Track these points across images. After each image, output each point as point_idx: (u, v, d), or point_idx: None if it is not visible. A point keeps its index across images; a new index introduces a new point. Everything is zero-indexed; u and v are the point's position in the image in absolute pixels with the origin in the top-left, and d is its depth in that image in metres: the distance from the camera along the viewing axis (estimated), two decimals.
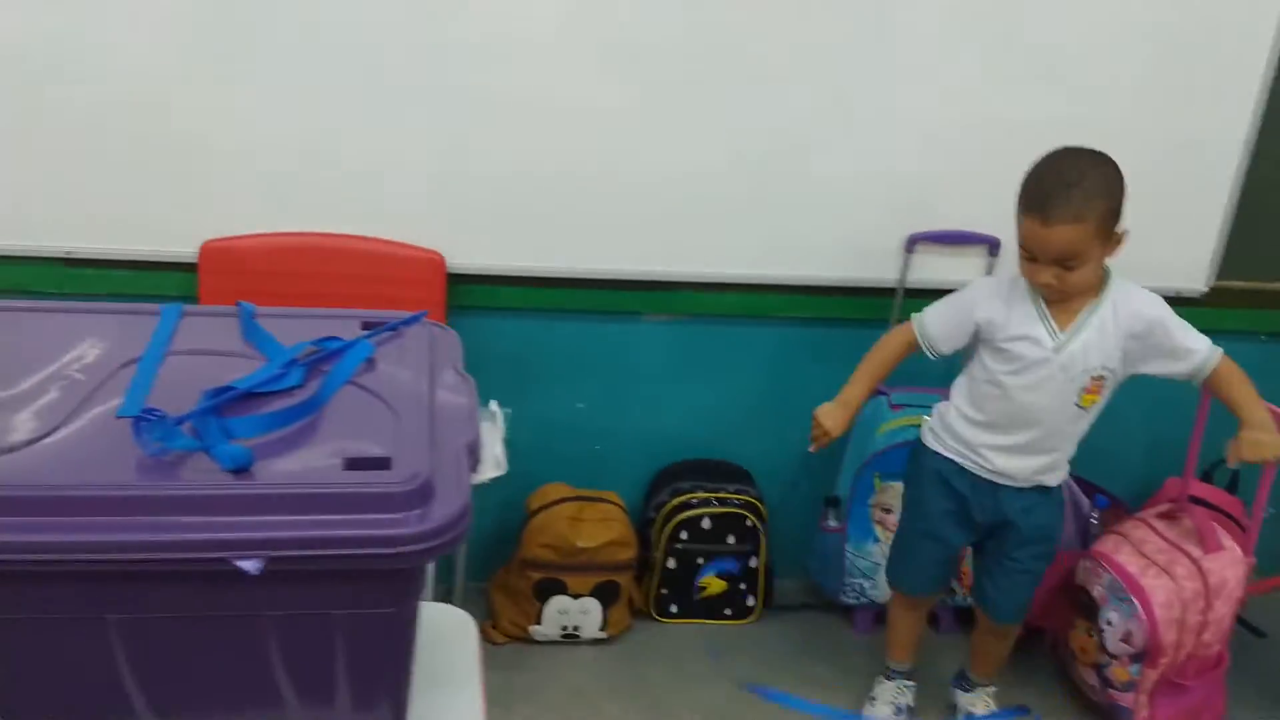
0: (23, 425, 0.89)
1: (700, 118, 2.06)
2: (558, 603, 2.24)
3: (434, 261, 2.09)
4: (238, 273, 2.02)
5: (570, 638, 2.29)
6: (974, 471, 1.91)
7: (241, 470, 0.85)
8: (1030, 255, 1.74)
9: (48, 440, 0.87)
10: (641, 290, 2.21)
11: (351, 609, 0.89)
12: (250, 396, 0.96)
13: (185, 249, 2.00)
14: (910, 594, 2.12)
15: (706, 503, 2.30)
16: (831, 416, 1.86)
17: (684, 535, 2.31)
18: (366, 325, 1.13)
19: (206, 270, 2.01)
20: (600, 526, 2.23)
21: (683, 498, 2.30)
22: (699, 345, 2.30)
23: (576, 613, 2.25)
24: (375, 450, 0.90)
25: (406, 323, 1.14)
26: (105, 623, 0.86)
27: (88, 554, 0.81)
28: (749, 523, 2.33)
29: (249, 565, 0.82)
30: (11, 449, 0.86)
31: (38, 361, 0.98)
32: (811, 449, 1.89)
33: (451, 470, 0.91)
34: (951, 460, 1.93)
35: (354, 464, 0.88)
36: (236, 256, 2.02)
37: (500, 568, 2.36)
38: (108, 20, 1.84)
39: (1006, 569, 1.98)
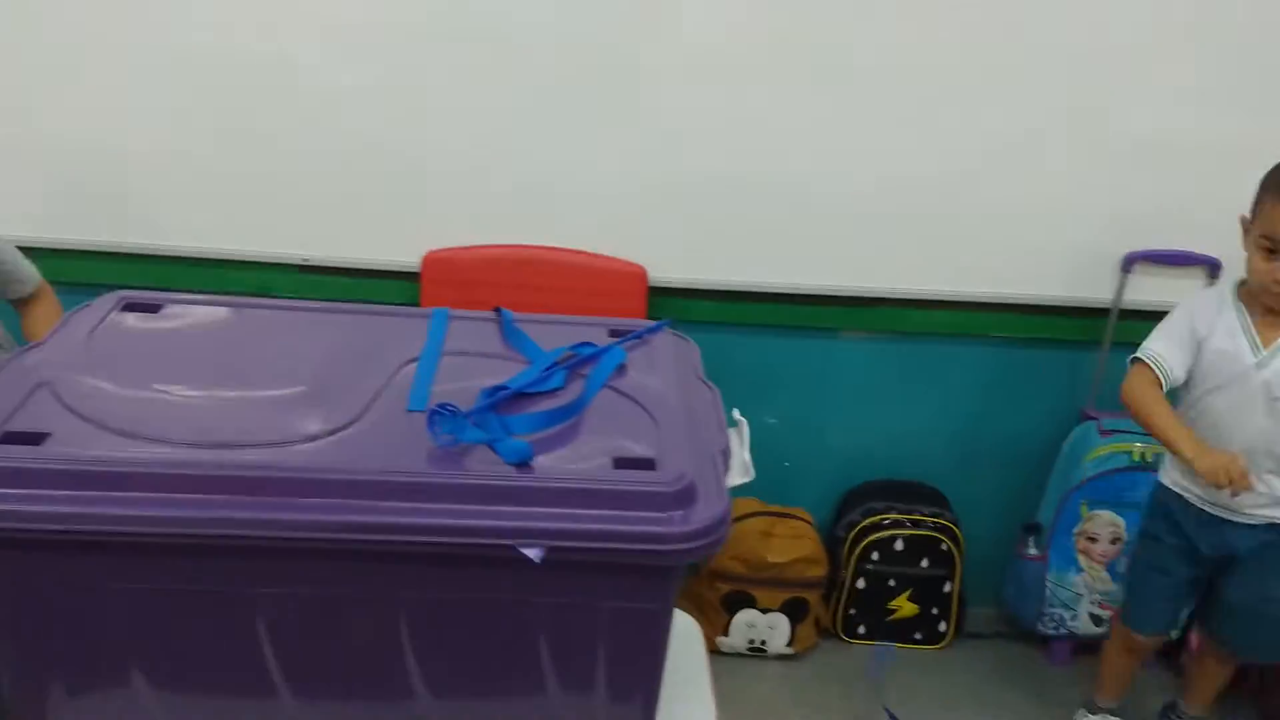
0: (323, 416, 0.96)
1: (906, 128, 2.05)
2: (746, 616, 2.25)
3: (637, 274, 2.14)
4: (455, 282, 2.12)
5: (757, 651, 2.29)
6: (1198, 505, 1.83)
7: (523, 464, 0.91)
8: (1274, 246, 1.65)
9: (347, 431, 0.95)
10: (839, 306, 2.21)
11: (616, 602, 0.93)
12: (519, 396, 1.01)
13: (409, 258, 2.11)
14: (1143, 632, 2.00)
15: (900, 524, 2.27)
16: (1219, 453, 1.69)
17: (875, 556, 2.29)
18: (614, 332, 1.18)
19: (428, 279, 2.12)
20: (791, 543, 2.23)
21: (875, 518, 2.28)
22: (897, 363, 2.28)
23: (764, 627, 2.26)
24: (640, 451, 0.94)
25: (651, 331, 1.18)
26: (394, 602, 0.93)
27: (385, 535, 0.87)
28: (944, 547, 2.28)
29: (533, 553, 0.86)
30: (315, 438, 0.94)
31: (331, 358, 1.06)
32: (1244, 488, 1.68)
33: (710, 474, 0.94)
34: (1177, 494, 1.85)
35: (622, 463, 0.93)
36: (455, 266, 2.12)
37: (689, 577, 2.39)
38: (342, 53, 1.97)
39: (1248, 609, 1.88)
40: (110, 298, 1.13)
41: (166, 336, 1.10)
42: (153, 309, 1.13)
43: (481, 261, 2.13)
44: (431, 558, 0.89)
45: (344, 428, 0.94)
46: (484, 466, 0.90)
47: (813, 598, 2.28)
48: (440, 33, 1.97)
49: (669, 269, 2.16)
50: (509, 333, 1.14)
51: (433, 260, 2.12)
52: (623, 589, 0.92)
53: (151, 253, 2.09)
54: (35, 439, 0.88)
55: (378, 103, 2.01)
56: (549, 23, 1.97)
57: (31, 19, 1.93)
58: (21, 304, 1.61)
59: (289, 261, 2.12)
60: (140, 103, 2.00)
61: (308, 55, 1.97)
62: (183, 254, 2.10)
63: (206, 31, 1.94)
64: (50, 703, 0.98)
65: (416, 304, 2.11)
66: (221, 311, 1.15)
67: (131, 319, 1.11)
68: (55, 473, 0.86)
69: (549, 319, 1.20)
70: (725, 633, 2.27)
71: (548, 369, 1.05)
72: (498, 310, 1.18)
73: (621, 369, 1.09)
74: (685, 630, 1.25)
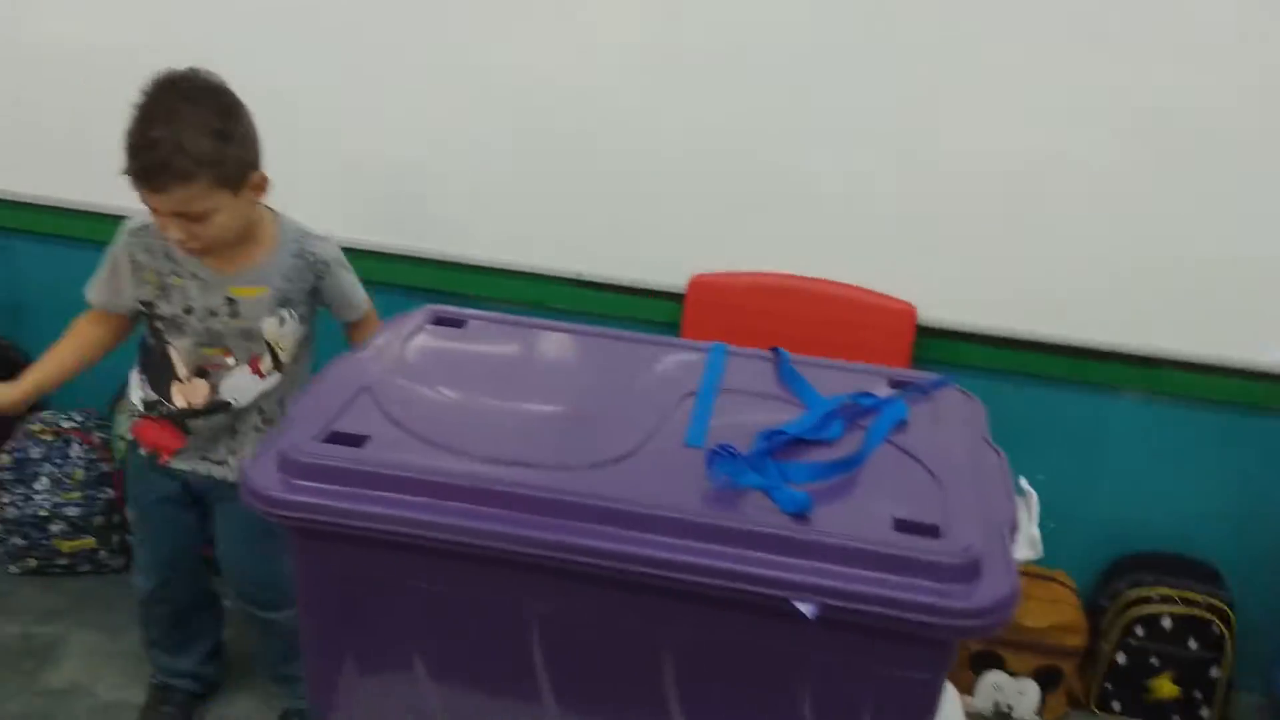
0: (606, 444, 1.00)
1: (1199, 177, 1.89)
2: (993, 677, 2.15)
3: (906, 312, 2.08)
4: (718, 306, 2.14)
5: (1002, 716, 2.18)
6: None
7: (800, 515, 0.90)
8: None
9: (627, 460, 0.98)
10: (1122, 363, 2.06)
11: (885, 668, 0.91)
12: (795, 442, 1.01)
13: (676, 280, 2.15)
14: None
15: (1169, 600, 2.09)
16: None
17: (1139, 631, 2.12)
18: (894, 383, 1.16)
19: (692, 302, 2.15)
20: (1049, 607, 2.10)
21: (1143, 591, 2.11)
22: (1180, 429, 2.11)
23: (1012, 691, 2.14)
24: (923, 515, 0.92)
25: (935, 385, 1.15)
26: (662, 635, 0.95)
27: (658, 570, 0.89)
28: (1215, 629, 2.09)
29: (807, 609, 0.86)
30: (599, 464, 0.97)
31: (616, 385, 1.11)
32: None
33: (996, 548, 0.91)
34: None
35: (904, 527, 0.90)
36: (719, 291, 2.14)
37: None
38: (626, 77, 2.04)
39: None
40: (423, 311, 1.22)
41: (470, 351, 1.17)
42: (458, 324, 1.21)
43: (746, 288, 2.15)
44: (702, 598, 0.90)
45: (625, 457, 0.98)
46: (760, 513, 0.91)
47: (1068, 667, 2.14)
48: (718, 58, 2.00)
49: (940, 309, 2.09)
50: (786, 374, 1.15)
51: (698, 284, 2.15)
52: (894, 656, 0.90)
53: (444, 259, 2.24)
54: (357, 441, 0.97)
55: (657, 126, 2.07)
56: (838, 52, 1.96)
57: (354, 50, 2.12)
58: (348, 326, 1.76)
59: (566, 276, 2.21)
60: (444, 122, 2.14)
61: (595, 80, 2.05)
62: (471, 262, 2.23)
63: (504, 58, 2.06)
64: (342, 679, 1.07)
65: (679, 327, 2.15)
66: (520, 331, 1.22)
67: (440, 332, 1.19)
68: (372, 475, 0.94)
69: (826, 363, 1.20)
70: (970, 692, 2.18)
71: (826, 416, 1.05)
72: (775, 350, 1.19)
73: (903, 424, 1.07)
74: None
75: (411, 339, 1.16)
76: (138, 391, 1.68)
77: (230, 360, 1.61)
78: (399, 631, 1.03)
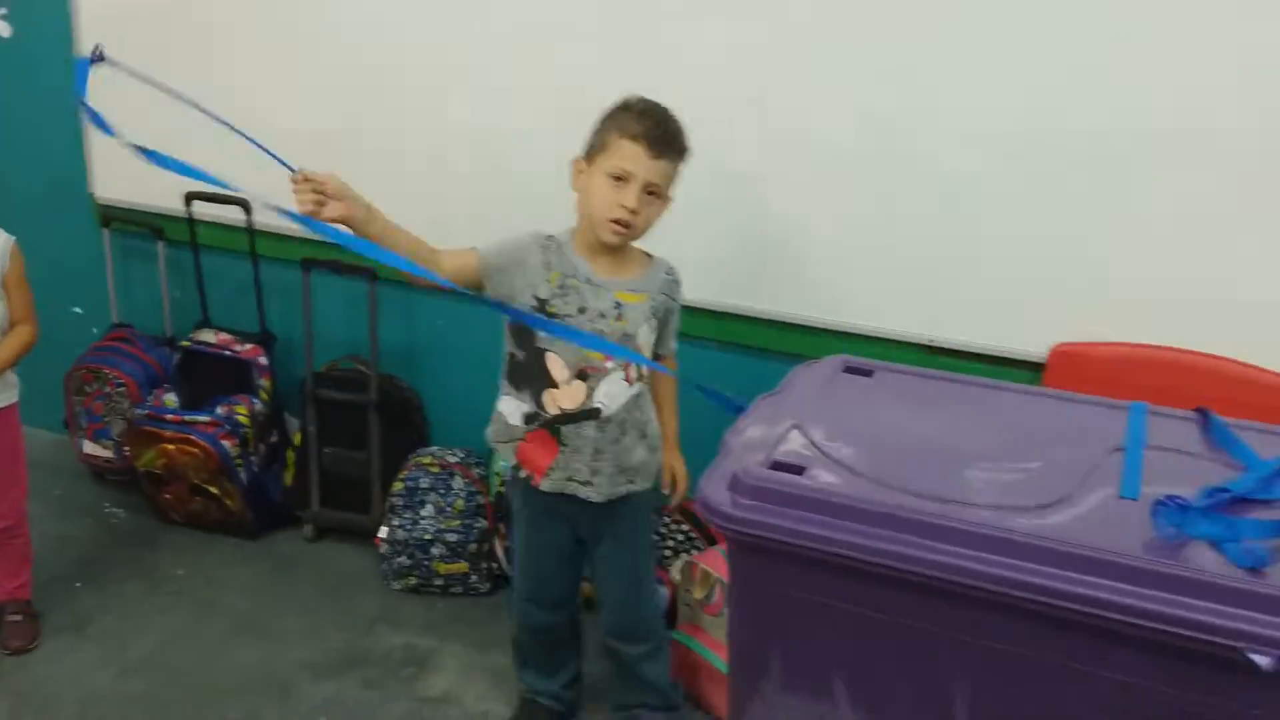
0: (1036, 489, 1.03)
1: None
2: None
3: None
4: (1082, 378, 2.07)
5: None
6: None
7: (1256, 570, 0.89)
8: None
9: (1061, 506, 1.00)
10: None
11: None
12: (1236, 501, 1.00)
13: (1035, 349, 2.12)
14: None
15: None
16: None
17: None
18: None
19: (1052, 371, 2.11)
20: None
21: None
22: None
23: None
24: None
25: None
26: (1092, 679, 0.96)
27: (1102, 611, 0.91)
28: None
29: (1263, 660, 0.85)
30: (1031, 508, 1.00)
31: (1033, 436, 1.14)
32: None
33: None
34: None
35: None
36: (1084, 362, 2.09)
37: None
38: (983, 152, 2.06)
39: None
40: (834, 360, 1.31)
41: (883, 397, 1.24)
42: (867, 373, 1.29)
43: (1113, 360, 2.08)
44: (1140, 643, 0.91)
45: (1057, 503, 1.00)
46: (1210, 564, 0.90)
47: None
48: (1070, 134, 1.97)
49: None
50: (1217, 435, 1.13)
51: (1060, 353, 2.11)
52: None
53: (808, 324, 2.32)
54: (797, 470, 1.06)
55: (1009, 194, 2.06)
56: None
57: None
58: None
59: (915, 341, 2.24)
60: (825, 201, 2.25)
61: (944, 150, 2.08)
62: (832, 327, 2.30)
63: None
64: (762, 695, 1.15)
65: None
66: (924, 382, 1.28)
67: (851, 380, 1.27)
68: (813, 500, 1.02)
69: (1256, 426, 1.16)
70: None
71: (1271, 476, 1.02)
72: (1200, 411, 1.17)
73: None
74: None
75: (828, 383, 1.25)
76: (515, 413, 1.79)
77: (609, 364, 1.70)
78: (822, 651, 1.09)
